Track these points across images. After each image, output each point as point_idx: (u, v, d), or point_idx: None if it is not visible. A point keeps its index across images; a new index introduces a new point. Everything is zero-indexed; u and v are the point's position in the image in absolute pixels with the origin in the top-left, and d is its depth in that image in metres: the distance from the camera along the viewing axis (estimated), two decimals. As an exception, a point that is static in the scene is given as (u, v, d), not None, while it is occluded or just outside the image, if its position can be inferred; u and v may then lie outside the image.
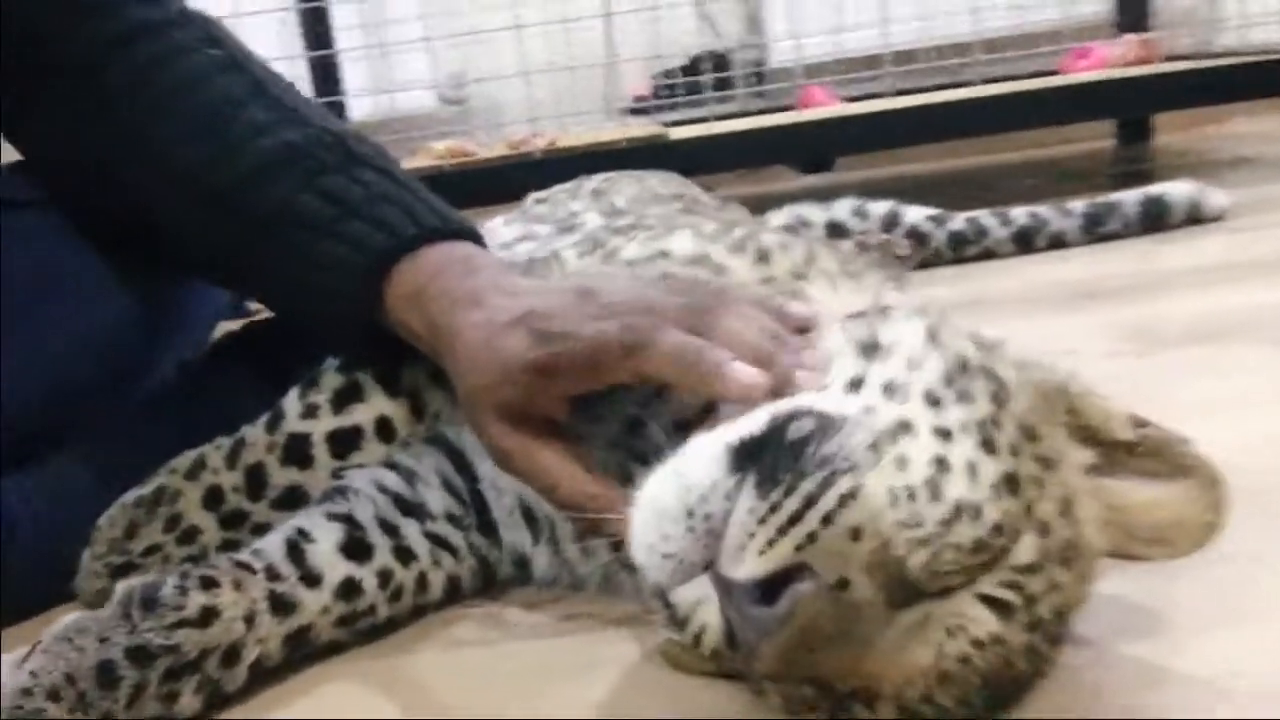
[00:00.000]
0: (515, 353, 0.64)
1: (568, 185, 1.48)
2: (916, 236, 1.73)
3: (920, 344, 0.58)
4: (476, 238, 0.80)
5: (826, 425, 0.53)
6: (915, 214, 1.76)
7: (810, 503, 0.49)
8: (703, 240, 0.78)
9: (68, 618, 0.66)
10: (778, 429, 0.53)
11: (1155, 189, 1.80)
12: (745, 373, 0.58)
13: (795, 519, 0.49)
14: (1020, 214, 1.77)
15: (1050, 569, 0.54)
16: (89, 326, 0.87)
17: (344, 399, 0.81)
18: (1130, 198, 1.78)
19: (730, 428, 0.54)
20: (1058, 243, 1.76)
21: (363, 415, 0.80)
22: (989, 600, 0.52)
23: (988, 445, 0.54)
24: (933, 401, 0.55)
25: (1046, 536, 0.54)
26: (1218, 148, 2.61)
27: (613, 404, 0.70)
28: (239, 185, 0.79)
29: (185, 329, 1.01)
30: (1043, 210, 1.77)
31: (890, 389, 0.56)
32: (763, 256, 0.76)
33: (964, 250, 1.74)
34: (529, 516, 0.77)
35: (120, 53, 0.84)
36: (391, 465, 0.79)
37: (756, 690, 0.57)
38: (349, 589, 0.73)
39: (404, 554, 0.76)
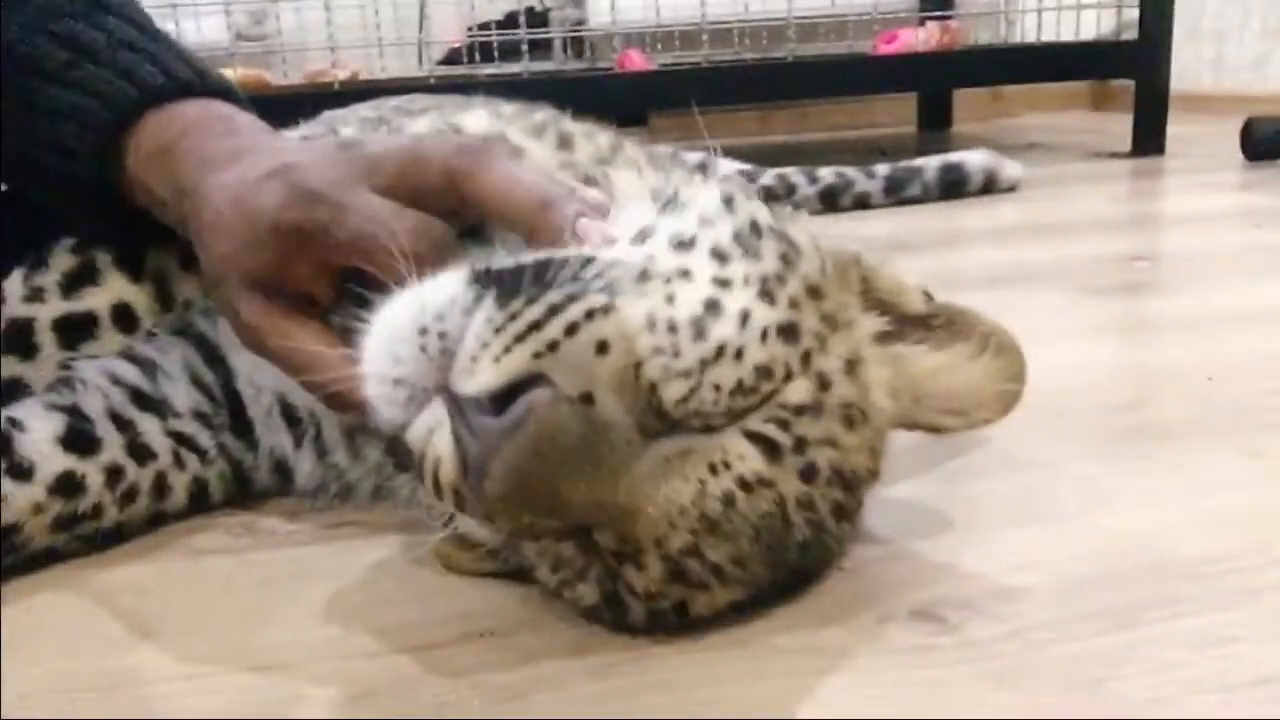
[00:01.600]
0: (267, 211, 0.56)
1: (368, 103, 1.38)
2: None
3: (716, 204, 0.54)
4: (237, 98, 0.70)
5: (584, 259, 0.48)
6: (727, 166, 1.74)
7: (554, 312, 0.44)
8: (499, 121, 0.71)
9: None
10: (533, 262, 0.48)
11: (955, 156, 1.85)
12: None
13: (536, 326, 0.44)
14: (827, 173, 1.78)
15: (827, 421, 0.50)
16: None
17: (76, 281, 0.69)
18: (932, 163, 1.83)
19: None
20: (862, 203, 1.78)
21: (97, 300, 0.69)
22: (754, 436, 0.48)
23: (767, 297, 0.50)
24: (718, 256, 0.51)
25: (825, 389, 0.50)
26: (1010, 134, 2.73)
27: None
28: None
29: None
30: (849, 171, 1.79)
31: (677, 242, 0.51)
32: (565, 142, 0.70)
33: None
34: (290, 417, 0.68)
35: None
36: (130, 357, 0.69)
37: (515, 554, 0.52)
38: (68, 484, 0.62)
39: (139, 451, 0.66)
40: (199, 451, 0.68)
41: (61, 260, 0.70)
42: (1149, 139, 2.22)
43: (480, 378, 0.43)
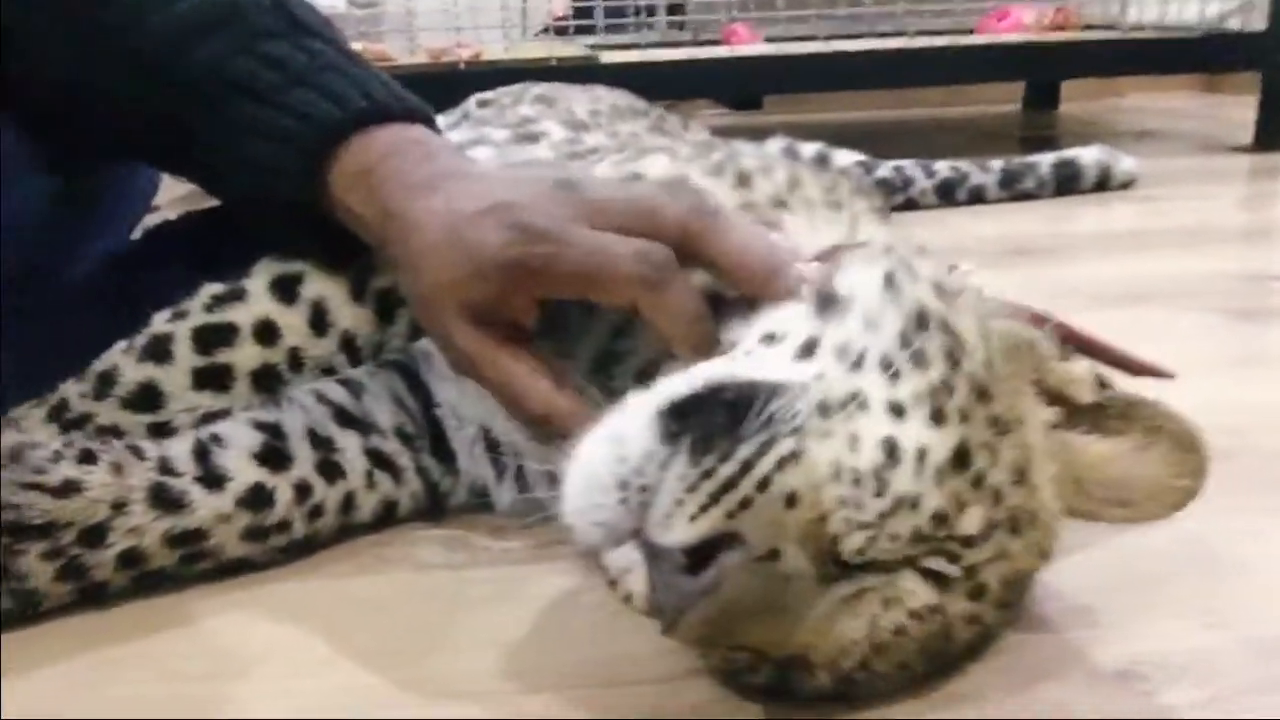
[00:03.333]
0: (490, 246, 0.58)
1: (511, 89, 1.40)
2: (843, 180, 1.71)
3: (878, 296, 0.55)
4: (431, 121, 0.73)
5: (771, 390, 0.49)
6: (844, 157, 1.74)
7: (747, 468, 0.46)
8: (679, 163, 0.73)
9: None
10: (714, 391, 0.50)
11: (1069, 153, 1.83)
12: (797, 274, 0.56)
13: (729, 485, 0.46)
14: (943, 166, 1.77)
15: (998, 537, 0.52)
16: (7, 211, 0.76)
17: (317, 322, 0.72)
18: (1046, 159, 1.80)
19: (665, 386, 0.51)
20: (977, 197, 1.77)
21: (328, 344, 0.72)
22: (926, 573, 0.50)
23: (938, 416, 0.51)
24: (887, 368, 0.52)
25: (996, 505, 0.52)
26: (1121, 119, 2.67)
27: (585, 331, 0.66)
28: (166, 44, 0.71)
29: (106, 221, 0.91)
30: (964, 165, 1.78)
31: (844, 352, 0.52)
32: (743, 180, 0.71)
33: (891, 198, 1.73)
34: (493, 449, 0.72)
35: None
36: (340, 380, 0.73)
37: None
38: (257, 497, 0.66)
39: (330, 469, 0.69)
40: (394, 470, 0.72)
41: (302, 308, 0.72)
42: (1275, 133, 2.16)
43: (675, 533, 0.45)
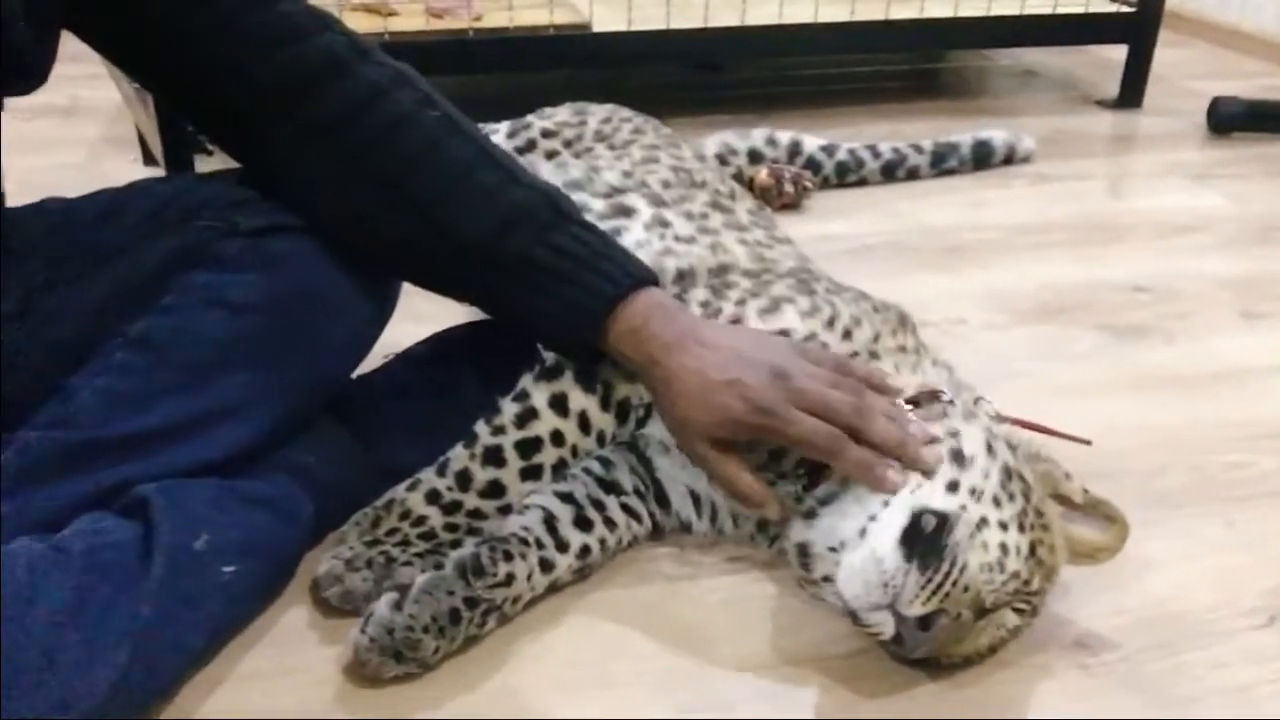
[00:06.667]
0: (733, 411, 0.97)
1: (566, 118, 1.73)
2: (812, 165, 2.10)
3: (984, 456, 0.98)
4: (657, 281, 1.07)
5: (944, 521, 0.92)
6: (811, 144, 2.12)
7: (946, 577, 0.90)
8: (808, 320, 1.11)
9: (422, 577, 0.97)
10: (919, 521, 0.92)
11: (983, 134, 2.26)
12: (892, 480, 0.96)
13: (939, 586, 0.89)
14: (885, 148, 2.18)
15: (1044, 585, 0.98)
16: (347, 332, 1.10)
17: (555, 404, 1.09)
18: (965, 141, 2.24)
19: (892, 517, 0.93)
20: (913, 175, 2.20)
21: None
22: (1016, 610, 0.96)
23: (1021, 528, 0.95)
24: (995, 502, 0.95)
25: (1045, 569, 0.97)
26: (1006, 58, 3.10)
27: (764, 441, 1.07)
28: (488, 239, 1.03)
29: None
30: (902, 146, 2.20)
31: (974, 492, 0.96)
32: (847, 334, 1.12)
33: (845, 177, 2.14)
34: (695, 498, 1.14)
35: (361, 116, 1.03)
36: (597, 458, 1.13)
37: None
38: (584, 552, 1.07)
39: (610, 523, 1.10)
40: (638, 517, 1.13)
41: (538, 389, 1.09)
42: (1135, 94, 2.66)
43: (914, 609, 0.89)
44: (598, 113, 1.74)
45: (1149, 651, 1.03)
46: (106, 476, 0.95)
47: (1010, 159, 2.28)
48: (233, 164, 1.13)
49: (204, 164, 1.97)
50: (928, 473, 0.97)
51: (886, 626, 0.91)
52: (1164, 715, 0.96)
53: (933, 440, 0.99)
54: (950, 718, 0.96)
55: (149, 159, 2.13)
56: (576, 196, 1.40)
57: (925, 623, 0.90)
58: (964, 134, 2.26)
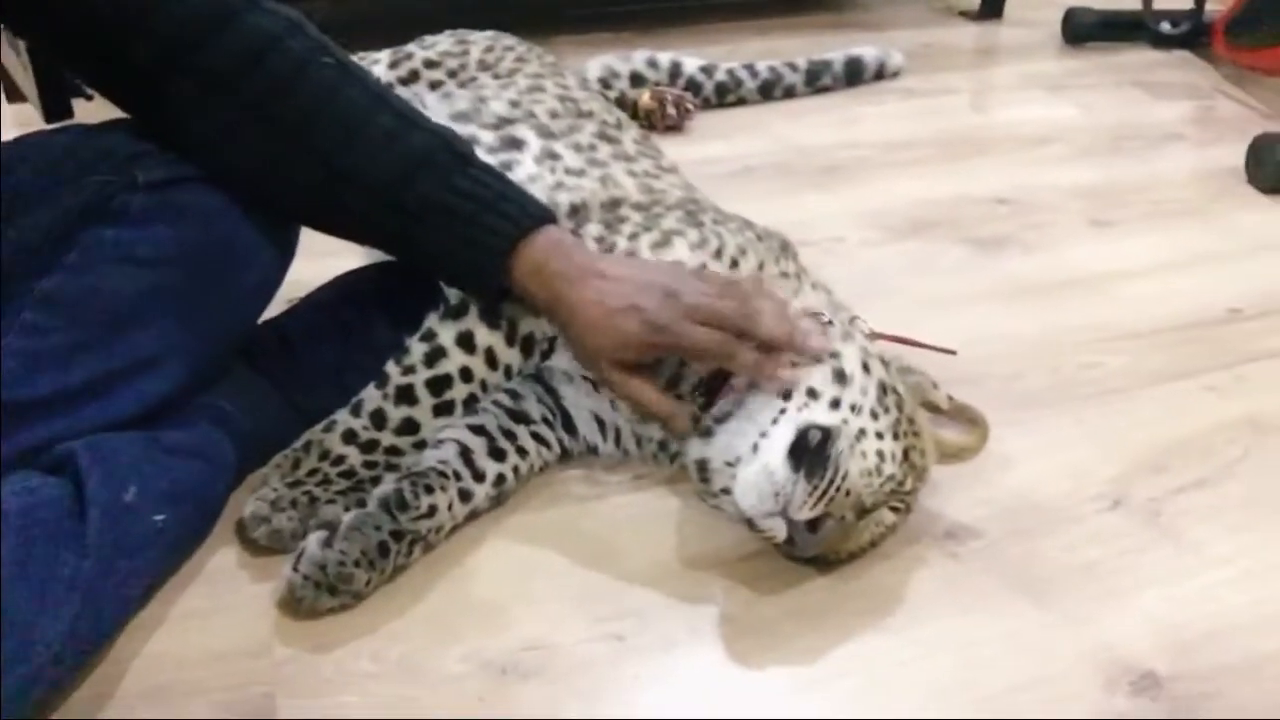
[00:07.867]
0: (634, 333, 1.03)
1: (448, 48, 1.73)
2: (692, 86, 2.15)
3: (860, 374, 1.07)
4: (554, 219, 1.11)
5: (827, 435, 1.01)
6: (691, 65, 2.17)
7: (831, 484, 0.99)
8: (697, 252, 1.18)
9: (349, 515, 1.03)
10: (805, 436, 1.01)
11: (854, 51, 2.35)
12: (784, 376, 1.05)
13: (825, 492, 0.99)
14: (763, 68, 2.25)
15: (917, 485, 1.10)
16: (255, 278, 1.13)
17: (462, 341, 1.14)
18: (838, 58, 2.32)
19: (780, 431, 1.02)
20: (789, 93, 2.27)
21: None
22: (893, 509, 1.07)
23: (895, 436, 1.06)
24: (872, 414, 1.05)
25: (916, 470, 1.09)
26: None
27: (665, 362, 1.14)
28: (393, 183, 1.06)
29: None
30: (778, 65, 2.26)
31: (854, 408, 1.05)
32: (734, 264, 1.20)
33: (725, 97, 2.20)
34: (600, 423, 1.22)
35: (258, 65, 1.04)
36: (505, 389, 1.19)
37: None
38: (499, 480, 1.14)
39: (522, 452, 1.17)
40: (547, 444, 1.20)
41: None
42: (994, 3, 2.77)
43: (804, 514, 0.98)
44: (480, 41, 1.75)
45: (1010, 538, 1.16)
46: (29, 437, 0.97)
47: (881, 74, 2.37)
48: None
49: (81, 109, 1.92)
50: (818, 358, 1.07)
51: (779, 531, 1.00)
52: (1024, 593, 1.09)
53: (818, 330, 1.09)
54: (840, 607, 1.07)
55: (14, 96, 2.06)
56: (464, 129, 1.43)
57: (814, 526, 1.00)
58: (837, 51, 2.34)
